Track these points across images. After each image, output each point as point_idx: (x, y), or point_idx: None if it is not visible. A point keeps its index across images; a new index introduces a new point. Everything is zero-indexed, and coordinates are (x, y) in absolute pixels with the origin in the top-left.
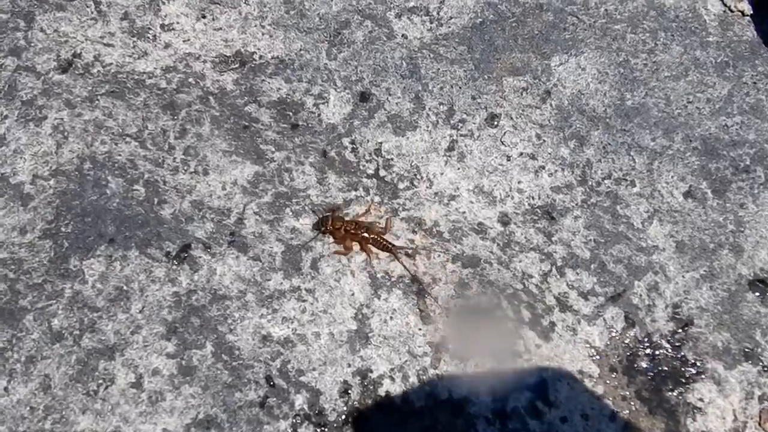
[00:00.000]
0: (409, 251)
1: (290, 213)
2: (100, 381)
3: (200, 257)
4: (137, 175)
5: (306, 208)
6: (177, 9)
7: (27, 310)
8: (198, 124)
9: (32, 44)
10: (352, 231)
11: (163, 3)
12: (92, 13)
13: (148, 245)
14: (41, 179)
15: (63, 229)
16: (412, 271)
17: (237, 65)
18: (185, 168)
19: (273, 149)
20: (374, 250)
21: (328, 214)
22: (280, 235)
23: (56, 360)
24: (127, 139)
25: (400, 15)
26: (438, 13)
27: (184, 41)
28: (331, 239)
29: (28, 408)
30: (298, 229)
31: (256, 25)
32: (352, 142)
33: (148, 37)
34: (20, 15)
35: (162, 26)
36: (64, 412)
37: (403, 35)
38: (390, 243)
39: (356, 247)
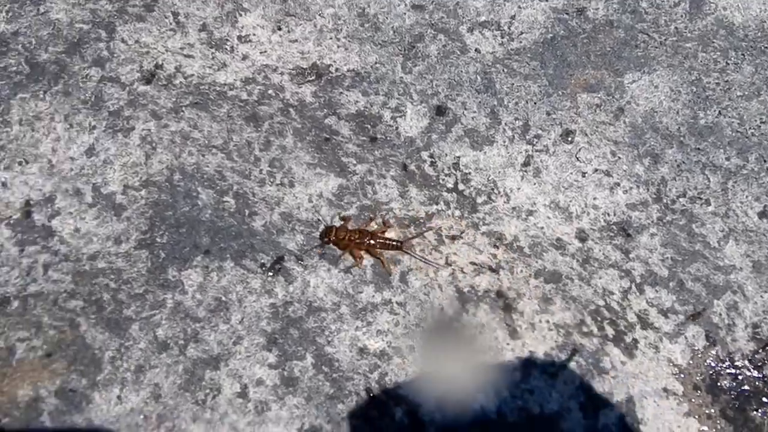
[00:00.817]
0: (404, 243)
1: (375, 226)
2: (208, 390)
3: (293, 269)
4: (226, 187)
5: (390, 221)
6: (253, 21)
7: (132, 320)
8: (281, 136)
9: (115, 55)
10: (356, 240)
11: (240, 15)
12: (171, 24)
13: (243, 257)
14: (132, 189)
15: (158, 240)
16: (437, 266)
17: (313, 77)
18: (271, 180)
19: (355, 162)
20: (385, 253)
21: (331, 225)
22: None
23: (164, 369)
24: (214, 150)
25: (472, 29)
26: (509, 28)
27: (261, 53)
28: (339, 250)
29: (141, 416)
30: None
31: (331, 38)
32: (431, 156)
33: (226, 49)
34: (101, 25)
35: (239, 38)
36: (176, 421)
37: (476, 49)
38: (394, 240)
39: (367, 255)
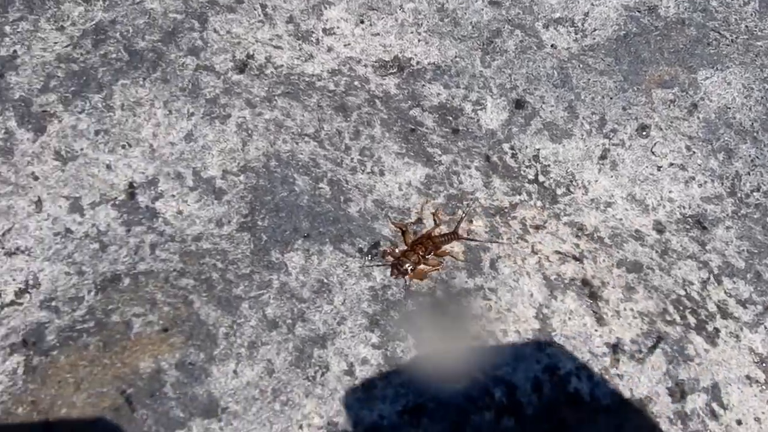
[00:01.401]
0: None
1: (463, 214)
2: (317, 368)
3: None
4: (321, 174)
5: (476, 210)
6: (337, 14)
7: (242, 299)
8: (369, 126)
9: (208, 44)
10: (423, 252)
11: (325, 8)
12: (259, 15)
13: (342, 241)
14: (231, 174)
15: (260, 223)
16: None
17: (395, 70)
18: (362, 168)
19: (440, 152)
20: (448, 248)
21: (396, 256)
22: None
23: (275, 346)
24: (306, 138)
25: (547, 25)
26: (583, 25)
27: (345, 45)
28: (415, 267)
29: (258, 390)
30: (474, 230)
31: (412, 32)
32: (512, 148)
33: (312, 41)
34: (194, 15)
35: (324, 30)
36: (289, 395)
37: (552, 45)
38: (448, 233)
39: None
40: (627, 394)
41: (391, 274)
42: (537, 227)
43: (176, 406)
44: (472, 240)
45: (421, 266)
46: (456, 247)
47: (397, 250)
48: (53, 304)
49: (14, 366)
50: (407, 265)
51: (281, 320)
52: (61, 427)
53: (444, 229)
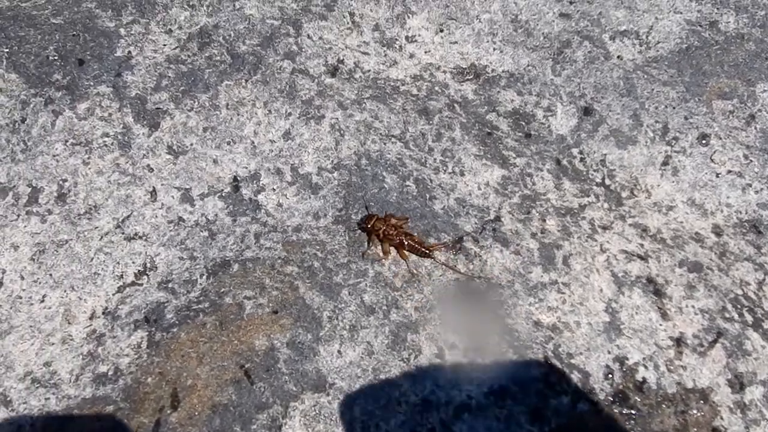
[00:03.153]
0: (443, 248)
1: (537, 214)
2: (411, 351)
3: (472, 249)
4: (407, 173)
5: (549, 210)
6: (419, 23)
7: (342, 286)
8: (450, 129)
9: (303, 49)
10: (390, 234)
11: (408, 17)
12: (348, 23)
13: (428, 236)
14: (326, 171)
15: (353, 217)
16: (464, 271)
17: (472, 76)
18: (444, 168)
19: (514, 155)
20: (410, 255)
21: (372, 214)
22: (533, 232)
23: (373, 330)
24: (393, 139)
25: (614, 37)
26: (647, 37)
27: (425, 52)
28: (371, 240)
29: (359, 369)
30: (547, 229)
31: (487, 41)
32: (581, 153)
33: (396, 47)
34: (289, 22)
35: (407, 38)
36: (387, 375)
37: (618, 56)
38: (425, 246)
39: (393, 251)
40: (690, 384)
41: (360, 223)
42: (604, 227)
43: (289, 380)
44: (439, 263)
45: (385, 244)
46: (459, 265)
47: (382, 218)
48: (170, 285)
49: (138, 341)
50: (379, 226)
51: (377, 306)
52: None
53: (431, 242)
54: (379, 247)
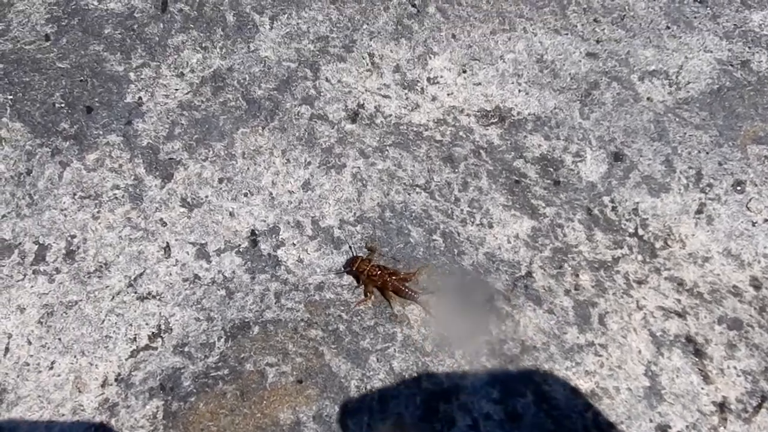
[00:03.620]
0: (419, 295)
1: (569, 268)
2: (444, 422)
3: (503, 308)
4: (434, 226)
5: (581, 264)
6: (441, 63)
7: (369, 351)
8: (476, 177)
9: (321, 93)
10: (374, 276)
11: (430, 57)
12: (368, 65)
13: (458, 294)
14: (348, 224)
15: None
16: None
17: (497, 120)
18: (472, 220)
19: (543, 204)
20: (396, 297)
21: (357, 256)
22: (566, 289)
23: (404, 400)
24: (418, 189)
25: (643, 78)
26: (677, 77)
27: (448, 95)
28: (361, 282)
29: None
30: (581, 285)
31: (512, 82)
32: (612, 201)
33: (417, 90)
34: (306, 64)
35: (428, 79)
36: None
37: (648, 98)
38: (411, 290)
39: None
40: None
41: (346, 265)
42: (639, 282)
43: None
44: (426, 310)
45: (369, 285)
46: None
47: (366, 259)
48: (186, 349)
49: (154, 410)
50: (363, 268)
51: (407, 373)
52: None
53: (410, 286)
54: (370, 287)
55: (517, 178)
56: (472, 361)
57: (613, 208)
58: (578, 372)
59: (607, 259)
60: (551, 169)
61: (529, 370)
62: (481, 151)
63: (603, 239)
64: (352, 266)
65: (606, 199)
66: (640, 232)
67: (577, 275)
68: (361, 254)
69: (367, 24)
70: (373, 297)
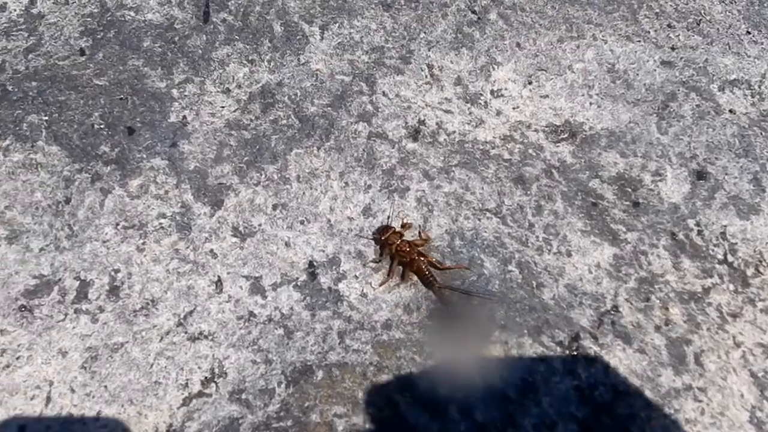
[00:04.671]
0: (442, 288)
1: (657, 301)
2: None
3: (591, 348)
4: (508, 255)
5: (670, 295)
6: (505, 74)
7: (448, 400)
8: (550, 200)
9: (379, 109)
10: (403, 251)
11: (493, 68)
12: (427, 77)
13: (540, 333)
14: None
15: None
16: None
17: (567, 135)
18: (548, 248)
19: (624, 229)
20: (414, 277)
21: (388, 225)
22: (656, 325)
23: None
24: (488, 214)
25: (723, 88)
26: (759, 87)
27: (513, 108)
28: (383, 254)
29: None
30: (672, 319)
31: (582, 94)
32: (698, 224)
33: (481, 104)
34: (361, 78)
35: (492, 92)
36: None
37: (730, 110)
38: (433, 277)
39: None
40: None
41: (375, 232)
42: (734, 315)
43: None
44: (440, 298)
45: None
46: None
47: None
48: (243, 396)
49: None
50: (392, 240)
51: (492, 426)
52: None
53: (434, 273)
54: (394, 264)
55: (594, 200)
56: (561, 410)
57: (699, 232)
58: (678, 420)
59: (697, 289)
60: (629, 190)
61: (625, 419)
62: (553, 170)
63: (691, 267)
64: (382, 235)
65: (691, 222)
66: (730, 258)
67: (667, 308)
68: (392, 225)
69: (425, 32)
70: (396, 278)
